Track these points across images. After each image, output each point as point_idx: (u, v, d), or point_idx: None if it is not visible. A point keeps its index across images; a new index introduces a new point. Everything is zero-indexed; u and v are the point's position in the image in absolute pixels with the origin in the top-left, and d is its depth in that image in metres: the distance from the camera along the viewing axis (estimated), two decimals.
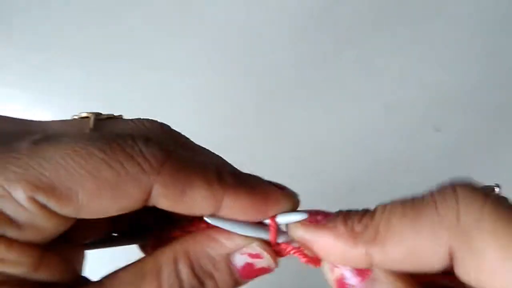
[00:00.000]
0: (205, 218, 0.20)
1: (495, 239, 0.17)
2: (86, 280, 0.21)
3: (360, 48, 0.72)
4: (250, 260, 0.21)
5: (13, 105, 0.68)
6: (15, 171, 0.17)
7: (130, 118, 0.22)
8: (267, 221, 0.22)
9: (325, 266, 0.21)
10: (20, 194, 0.17)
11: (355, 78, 0.70)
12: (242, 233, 0.21)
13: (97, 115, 0.22)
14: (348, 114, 0.68)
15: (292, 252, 0.22)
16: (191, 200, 0.19)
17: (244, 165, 0.24)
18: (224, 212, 0.20)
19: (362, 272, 0.20)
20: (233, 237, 0.21)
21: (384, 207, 0.20)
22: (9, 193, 0.17)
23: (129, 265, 0.20)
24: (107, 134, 0.18)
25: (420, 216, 0.18)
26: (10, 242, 0.17)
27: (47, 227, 0.18)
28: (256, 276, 0.22)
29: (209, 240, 0.21)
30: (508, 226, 0.17)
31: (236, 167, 0.24)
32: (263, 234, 0.22)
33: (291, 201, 0.22)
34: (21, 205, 0.17)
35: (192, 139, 0.24)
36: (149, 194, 0.18)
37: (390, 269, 0.20)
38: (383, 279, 0.19)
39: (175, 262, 0.20)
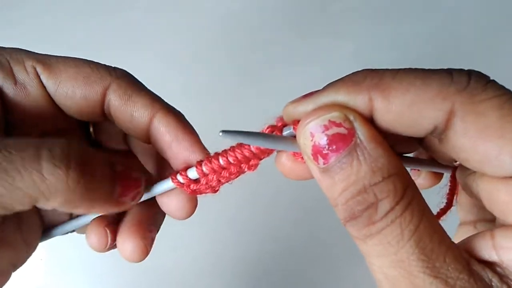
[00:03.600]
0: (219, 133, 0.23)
1: (497, 102, 0.19)
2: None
3: (355, 41, 0.73)
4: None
5: None
6: (31, 52, 0.28)
7: None
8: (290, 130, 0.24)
9: (302, 137, 0.22)
10: (29, 62, 0.27)
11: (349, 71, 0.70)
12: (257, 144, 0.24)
13: None
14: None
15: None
16: (135, 103, 0.28)
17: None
18: (156, 121, 0.28)
19: (344, 138, 0.20)
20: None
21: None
22: (23, 61, 0.27)
23: None
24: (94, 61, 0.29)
25: (432, 75, 0.21)
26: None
27: (32, 94, 0.27)
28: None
29: None
30: (507, 95, 0.20)
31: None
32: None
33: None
34: (25, 69, 0.27)
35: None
36: (104, 95, 0.27)
37: (385, 123, 0.21)
38: (365, 144, 0.20)
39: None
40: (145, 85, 0.29)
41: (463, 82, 0.20)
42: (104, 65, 0.28)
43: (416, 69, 0.21)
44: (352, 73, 0.22)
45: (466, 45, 0.73)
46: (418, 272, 0.19)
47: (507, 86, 0.21)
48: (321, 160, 0.21)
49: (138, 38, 0.74)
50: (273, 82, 0.71)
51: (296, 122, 0.23)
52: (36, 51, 0.29)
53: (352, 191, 0.20)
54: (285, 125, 0.24)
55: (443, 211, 0.29)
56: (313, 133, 0.21)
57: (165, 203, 0.29)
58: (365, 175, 0.20)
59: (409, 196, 0.20)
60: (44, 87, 0.27)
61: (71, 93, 0.27)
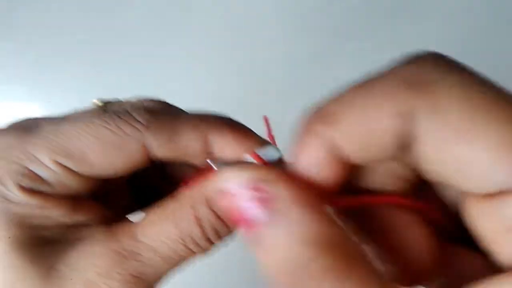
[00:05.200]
0: (208, 160, 0.23)
1: (461, 93, 0.15)
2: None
3: (358, 44, 0.74)
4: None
5: (11, 100, 0.68)
6: (40, 142, 0.23)
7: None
8: (249, 159, 0.23)
9: (220, 195, 0.20)
10: (45, 158, 0.22)
11: (351, 73, 0.71)
12: None
13: (105, 100, 0.27)
14: None
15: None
16: (182, 143, 0.24)
17: None
18: (212, 148, 0.24)
19: (265, 202, 0.17)
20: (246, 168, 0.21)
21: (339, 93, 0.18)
22: (37, 159, 0.22)
23: (157, 205, 0.24)
24: (109, 111, 0.24)
25: (378, 80, 0.17)
26: (46, 195, 0.23)
27: (73, 184, 0.23)
28: None
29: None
30: (469, 79, 0.15)
31: None
32: None
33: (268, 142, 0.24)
34: (47, 167, 0.23)
35: None
36: (145, 147, 0.23)
37: (350, 154, 0.17)
38: (287, 211, 0.17)
39: (194, 201, 0.23)
40: (179, 108, 0.26)
41: (414, 70, 0.16)
42: (124, 117, 0.23)
43: (360, 82, 0.17)
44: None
45: (471, 45, 0.73)
46: None
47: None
48: None
49: (137, 40, 0.74)
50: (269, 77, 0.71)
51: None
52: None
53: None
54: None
55: None
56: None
57: None
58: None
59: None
60: (79, 174, 0.23)
61: (112, 169, 0.23)
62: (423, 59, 0.16)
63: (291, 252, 0.16)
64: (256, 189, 0.17)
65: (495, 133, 0.14)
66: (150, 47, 0.73)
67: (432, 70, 0.16)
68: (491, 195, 0.15)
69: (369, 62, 0.69)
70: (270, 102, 0.68)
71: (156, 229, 0.23)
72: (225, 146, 0.24)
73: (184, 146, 0.24)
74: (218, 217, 0.23)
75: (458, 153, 0.15)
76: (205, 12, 0.74)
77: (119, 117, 0.23)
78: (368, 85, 0.17)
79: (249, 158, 0.23)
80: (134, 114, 0.24)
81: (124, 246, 0.23)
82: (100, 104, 0.26)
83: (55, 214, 0.23)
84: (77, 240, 0.24)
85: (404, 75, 0.16)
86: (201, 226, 0.23)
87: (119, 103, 0.26)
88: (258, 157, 0.23)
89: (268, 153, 0.23)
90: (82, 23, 0.74)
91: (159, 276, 0.24)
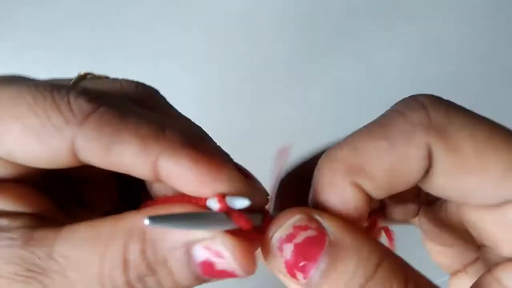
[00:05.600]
0: (144, 222, 0.16)
1: (468, 132, 0.18)
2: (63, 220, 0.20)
3: (357, 42, 0.73)
4: (211, 257, 0.18)
5: None
6: None
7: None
8: (214, 205, 0.18)
9: (270, 255, 0.19)
10: None
11: (351, 72, 0.71)
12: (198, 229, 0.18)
13: (87, 74, 0.22)
14: (345, 109, 0.68)
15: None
16: (119, 157, 0.18)
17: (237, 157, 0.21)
18: (162, 176, 0.18)
19: (316, 241, 0.17)
20: None
21: (349, 138, 0.20)
22: None
23: (96, 220, 0.19)
24: (49, 85, 0.19)
25: (392, 130, 0.19)
26: None
27: None
28: (219, 277, 0.19)
29: None
30: (472, 120, 0.19)
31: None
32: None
33: (243, 181, 0.19)
34: None
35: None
36: (73, 147, 0.18)
37: (379, 194, 0.19)
38: (341, 239, 0.18)
39: (128, 238, 0.18)
40: (165, 103, 0.22)
41: (422, 118, 0.19)
42: (58, 100, 0.18)
43: (372, 130, 0.19)
44: (327, 155, 0.20)
45: (471, 46, 0.73)
46: None
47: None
48: (300, 275, 0.18)
49: (139, 41, 0.74)
50: (272, 76, 0.71)
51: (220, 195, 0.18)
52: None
53: None
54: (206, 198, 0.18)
55: None
56: (280, 247, 0.18)
57: None
58: (355, 272, 0.17)
59: (409, 276, 0.18)
60: None
61: (32, 160, 0.19)
62: (423, 104, 0.19)
63: (350, 277, 0.17)
64: (303, 228, 0.18)
65: (498, 163, 0.18)
66: (152, 46, 0.72)
67: (439, 115, 0.19)
68: (495, 206, 0.19)
69: (369, 61, 0.70)
70: (269, 102, 0.67)
71: (77, 252, 0.18)
72: (177, 179, 0.18)
73: (123, 162, 0.18)
74: (150, 267, 0.18)
75: (470, 181, 0.18)
76: (205, 12, 0.74)
77: (53, 98, 0.18)
78: (381, 130, 0.19)
79: (213, 202, 0.18)
80: (72, 100, 0.18)
81: (36, 259, 0.18)
82: (75, 78, 0.21)
83: None
84: None
85: (417, 121, 0.19)
86: (125, 271, 0.18)
87: (100, 80, 0.21)
88: (225, 204, 0.18)
89: (238, 201, 0.18)
90: (83, 23, 0.73)
91: None
